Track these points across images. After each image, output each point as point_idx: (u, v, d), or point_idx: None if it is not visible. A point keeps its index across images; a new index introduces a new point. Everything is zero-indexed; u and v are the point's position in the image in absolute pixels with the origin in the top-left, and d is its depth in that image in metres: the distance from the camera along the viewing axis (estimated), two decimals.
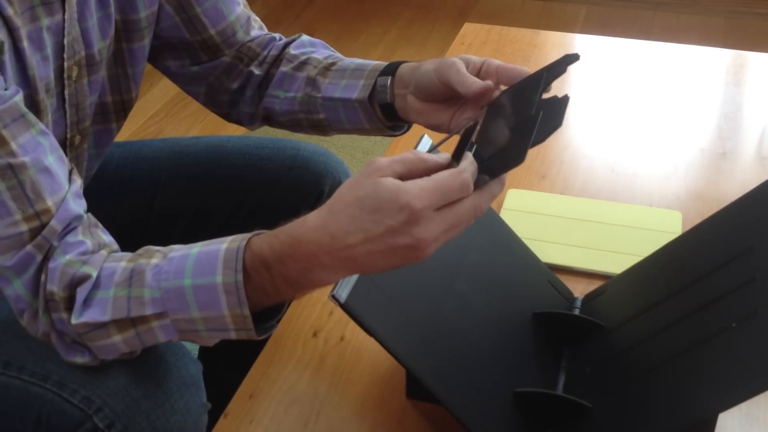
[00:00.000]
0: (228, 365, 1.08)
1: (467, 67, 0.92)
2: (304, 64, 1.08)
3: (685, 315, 0.87)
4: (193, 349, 1.13)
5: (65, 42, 0.88)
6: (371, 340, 0.79)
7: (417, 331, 0.83)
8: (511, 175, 1.27)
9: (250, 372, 0.96)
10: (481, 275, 0.95)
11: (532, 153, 1.32)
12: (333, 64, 1.06)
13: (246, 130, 1.18)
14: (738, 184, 1.27)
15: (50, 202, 0.78)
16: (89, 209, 0.84)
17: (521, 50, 1.63)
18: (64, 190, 0.80)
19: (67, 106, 0.92)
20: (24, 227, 0.77)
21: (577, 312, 0.99)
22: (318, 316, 1.03)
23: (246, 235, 0.76)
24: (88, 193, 0.94)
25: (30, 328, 0.81)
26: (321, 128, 1.09)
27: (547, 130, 0.72)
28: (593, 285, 1.05)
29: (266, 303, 0.77)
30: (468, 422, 0.81)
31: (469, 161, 0.70)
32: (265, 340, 0.98)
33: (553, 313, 0.97)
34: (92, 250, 0.80)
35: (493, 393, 0.86)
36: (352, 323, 0.80)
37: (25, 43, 0.82)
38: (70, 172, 0.82)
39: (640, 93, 1.52)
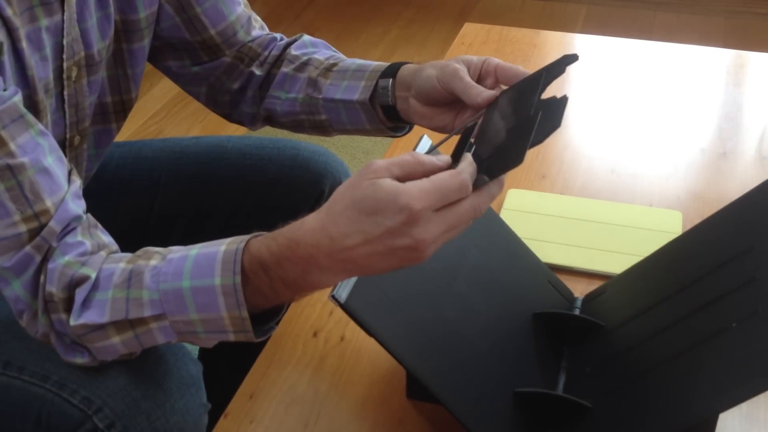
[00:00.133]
0: (228, 365, 1.08)
1: (468, 70, 0.92)
2: (305, 64, 1.08)
3: (685, 315, 0.87)
4: (193, 349, 1.13)
5: (64, 42, 0.88)
6: (371, 340, 0.79)
7: (417, 332, 0.83)
8: (511, 175, 1.27)
9: (250, 372, 0.96)
10: (481, 275, 0.95)
11: (532, 153, 1.33)
12: (334, 64, 1.06)
13: (247, 130, 1.18)
14: (738, 184, 1.27)
15: (49, 203, 0.78)
16: (89, 209, 0.84)
17: (521, 50, 1.63)
18: (63, 190, 0.80)
19: (66, 106, 0.92)
20: (23, 228, 0.77)
21: (577, 312, 0.99)
22: (318, 316, 1.03)
23: (244, 237, 0.76)
24: (88, 193, 0.94)
25: (29, 328, 0.81)
26: (322, 129, 1.09)
27: (546, 131, 0.72)
28: (593, 285, 1.05)
29: (265, 305, 0.77)
30: (468, 422, 0.81)
31: (467, 162, 0.70)
32: (265, 341, 0.98)
33: (554, 314, 0.97)
34: (91, 251, 0.80)
35: (493, 393, 0.86)
36: (352, 323, 0.80)
37: (24, 44, 0.82)
38: (70, 173, 0.82)
39: (640, 93, 1.52)
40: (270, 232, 0.76)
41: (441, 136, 0.87)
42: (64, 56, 0.89)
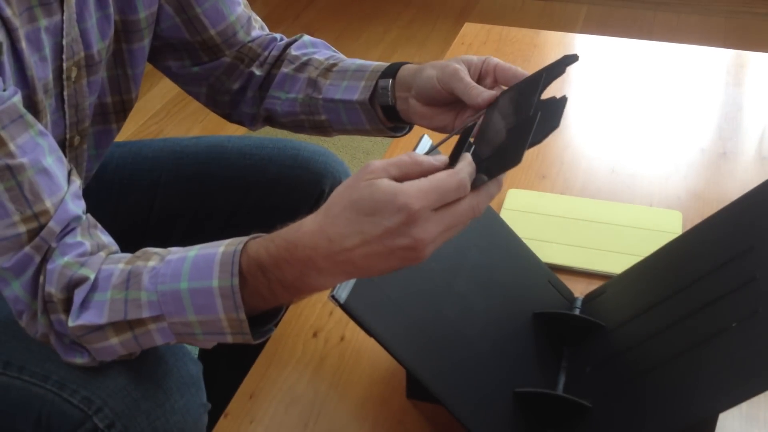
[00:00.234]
0: (228, 365, 1.08)
1: (468, 70, 0.92)
2: (305, 65, 1.08)
3: (686, 315, 0.87)
4: (193, 349, 1.13)
5: (64, 43, 0.88)
6: (371, 340, 0.79)
7: (417, 332, 0.83)
8: (511, 175, 1.28)
9: (250, 372, 0.96)
10: (481, 275, 0.95)
11: (532, 153, 1.33)
12: (334, 65, 1.06)
13: (247, 130, 1.18)
14: (738, 184, 1.27)
15: (48, 203, 0.78)
16: (89, 209, 0.84)
17: (521, 50, 1.63)
18: (63, 191, 0.80)
19: (66, 106, 0.92)
20: (22, 228, 0.77)
21: (577, 312, 0.99)
22: (318, 316, 1.03)
23: (243, 239, 0.76)
24: (88, 193, 0.95)
25: (29, 329, 0.81)
26: (322, 129, 1.09)
27: (545, 131, 0.72)
28: (593, 285, 1.05)
29: (263, 307, 0.77)
30: (468, 422, 0.81)
31: (466, 162, 0.70)
32: (263, 342, 0.98)
33: (554, 313, 0.97)
34: (91, 252, 0.80)
35: (493, 393, 0.86)
36: (352, 323, 0.80)
37: (24, 44, 0.82)
38: (69, 173, 0.82)
39: (640, 93, 1.52)
40: (269, 232, 0.76)
41: (441, 136, 0.87)
42: (64, 56, 0.89)
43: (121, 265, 0.79)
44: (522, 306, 0.97)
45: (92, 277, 0.78)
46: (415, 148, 0.86)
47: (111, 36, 0.96)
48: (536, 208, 1.20)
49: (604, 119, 1.45)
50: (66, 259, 0.78)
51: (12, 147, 0.76)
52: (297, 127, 1.11)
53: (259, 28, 1.12)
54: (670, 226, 1.16)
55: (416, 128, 1.06)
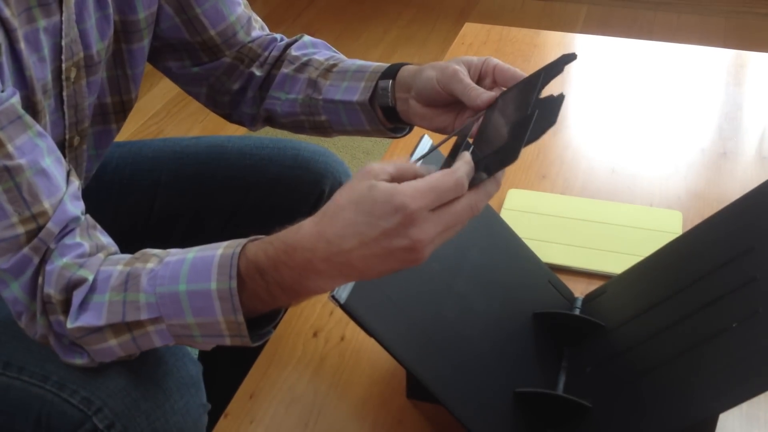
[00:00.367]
0: (228, 365, 1.08)
1: (468, 71, 0.92)
2: (305, 65, 1.08)
3: (686, 315, 0.87)
4: (193, 349, 1.13)
5: (63, 43, 0.88)
6: (371, 340, 0.79)
7: (417, 332, 0.83)
8: (511, 175, 1.28)
9: (250, 372, 0.96)
10: (482, 275, 0.95)
11: (532, 153, 1.33)
12: (334, 65, 1.06)
13: (247, 130, 1.18)
14: (738, 185, 1.27)
15: (47, 204, 0.78)
16: (89, 209, 0.84)
17: (521, 50, 1.63)
18: (62, 191, 0.79)
19: (65, 107, 0.92)
20: (20, 230, 0.77)
21: (577, 312, 0.99)
22: (318, 316, 1.03)
23: (241, 241, 0.76)
24: (88, 193, 0.94)
25: (28, 330, 0.81)
26: (323, 130, 1.09)
27: (542, 128, 0.72)
28: (593, 285, 1.05)
29: (261, 310, 0.77)
30: (468, 422, 0.81)
31: (463, 161, 0.70)
32: (263, 344, 0.98)
33: (554, 314, 0.97)
34: (89, 253, 0.80)
35: (493, 393, 0.86)
36: (352, 323, 0.80)
37: (22, 45, 0.82)
38: (68, 174, 0.82)
39: (640, 93, 1.52)
40: (269, 233, 0.76)
41: (441, 137, 0.87)
42: (63, 57, 0.89)
43: (119, 267, 0.79)
44: (522, 306, 0.97)
45: (91, 278, 0.78)
46: (414, 149, 0.87)
47: (110, 36, 0.96)
48: (536, 208, 1.20)
49: (604, 119, 1.45)
50: (65, 260, 0.78)
51: (10, 148, 0.76)
52: (297, 127, 1.11)
53: (259, 29, 1.12)
54: (670, 226, 1.16)
55: (416, 129, 1.06)
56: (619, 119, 1.45)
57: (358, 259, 0.68)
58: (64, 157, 0.93)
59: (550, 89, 0.82)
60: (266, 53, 1.10)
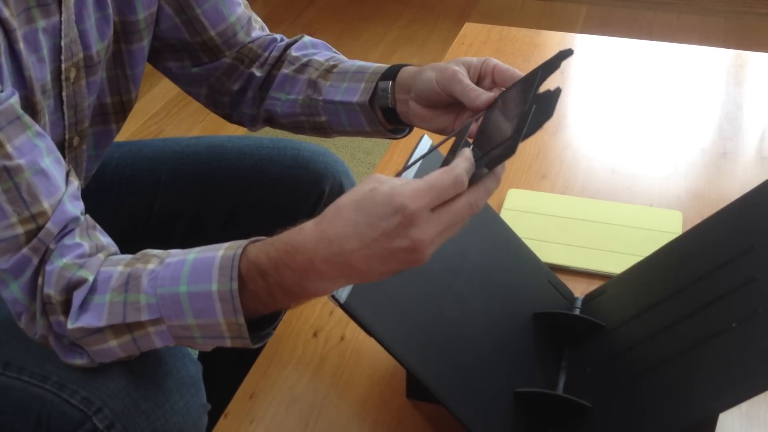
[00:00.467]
0: (228, 365, 1.08)
1: (468, 72, 0.92)
2: (305, 66, 1.08)
3: (686, 315, 0.87)
4: (193, 349, 1.13)
5: (62, 44, 0.88)
6: (371, 340, 0.79)
7: (417, 332, 0.83)
8: (511, 175, 1.28)
9: (250, 372, 0.96)
10: (482, 275, 0.95)
11: (532, 153, 1.33)
12: (334, 66, 1.06)
13: (247, 130, 1.18)
14: (738, 184, 1.27)
15: (46, 205, 0.78)
16: (89, 209, 0.84)
17: (521, 50, 1.63)
18: (61, 192, 0.79)
19: (65, 107, 0.92)
20: (20, 230, 0.77)
21: (577, 312, 0.99)
22: (318, 316, 1.03)
23: (242, 242, 0.76)
24: (88, 193, 0.94)
25: (28, 330, 0.81)
26: (322, 130, 1.09)
27: (539, 122, 0.72)
28: (593, 285, 1.05)
29: (262, 311, 0.77)
30: (468, 422, 0.81)
31: (462, 157, 0.70)
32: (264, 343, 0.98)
33: (554, 313, 0.97)
34: (89, 253, 0.80)
35: (493, 393, 0.86)
36: (352, 323, 0.80)
37: (22, 45, 0.82)
38: (68, 174, 0.82)
39: (640, 93, 1.52)
40: (270, 233, 0.76)
41: (441, 138, 0.87)
42: (63, 57, 0.89)
43: (120, 268, 0.79)
44: (522, 306, 0.97)
45: (91, 278, 0.78)
46: (414, 150, 0.87)
47: (110, 37, 0.96)
48: (536, 208, 1.20)
49: (604, 119, 1.45)
50: (65, 260, 0.78)
51: (9, 148, 0.76)
52: (297, 128, 1.11)
53: (259, 29, 1.12)
54: (670, 226, 1.16)
55: (416, 130, 1.06)
56: (619, 119, 1.45)
57: (359, 259, 0.68)
58: (64, 157, 0.93)
59: (548, 86, 0.82)
60: (266, 54, 1.10)
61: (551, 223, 1.18)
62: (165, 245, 0.83)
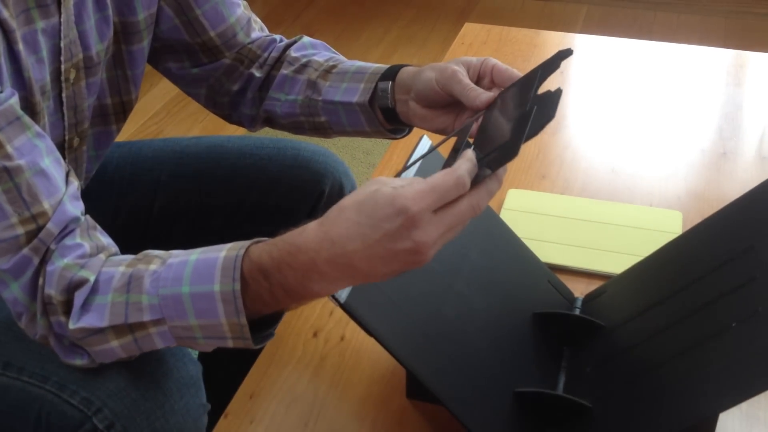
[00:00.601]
0: (228, 365, 1.08)
1: (468, 71, 0.92)
2: (304, 66, 1.08)
3: (686, 315, 0.87)
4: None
5: (62, 45, 0.88)
6: (371, 340, 0.79)
7: (417, 331, 0.83)
8: (511, 175, 1.28)
9: (250, 372, 0.96)
10: (482, 275, 0.95)
11: (532, 153, 1.33)
12: (334, 66, 1.06)
13: (247, 130, 1.18)
14: (738, 184, 1.27)
15: (47, 205, 0.78)
16: (89, 209, 0.84)
17: (521, 50, 1.63)
18: (61, 192, 0.79)
19: (65, 108, 0.92)
20: (20, 230, 0.77)
21: (577, 312, 0.99)
22: (318, 316, 1.03)
23: (245, 243, 0.76)
24: (88, 193, 0.95)
25: (28, 330, 0.81)
26: (322, 131, 1.09)
27: (541, 123, 0.72)
28: (593, 285, 1.05)
29: (264, 312, 0.77)
30: (468, 422, 0.81)
31: (465, 159, 0.70)
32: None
33: (554, 313, 0.97)
34: (90, 254, 0.80)
35: (493, 393, 0.86)
36: (352, 323, 0.80)
37: (21, 46, 0.82)
38: (67, 174, 0.82)
39: (640, 93, 1.52)
40: (270, 233, 0.76)
41: (441, 138, 0.87)
42: (62, 58, 0.89)
43: (122, 268, 0.79)
44: (522, 306, 0.97)
45: (92, 279, 0.78)
46: (414, 150, 0.87)
47: (110, 37, 0.96)
48: (536, 208, 1.20)
49: (604, 119, 1.45)
50: (65, 261, 0.78)
51: (9, 149, 0.76)
52: (297, 128, 1.11)
53: (258, 30, 1.12)
54: (670, 226, 1.16)
55: (416, 130, 1.06)
56: (619, 119, 1.45)
57: (362, 260, 0.68)
58: (64, 158, 0.93)
59: (548, 87, 0.82)
60: (266, 54, 1.10)
61: (551, 223, 1.18)
62: (165, 245, 0.83)
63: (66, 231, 0.79)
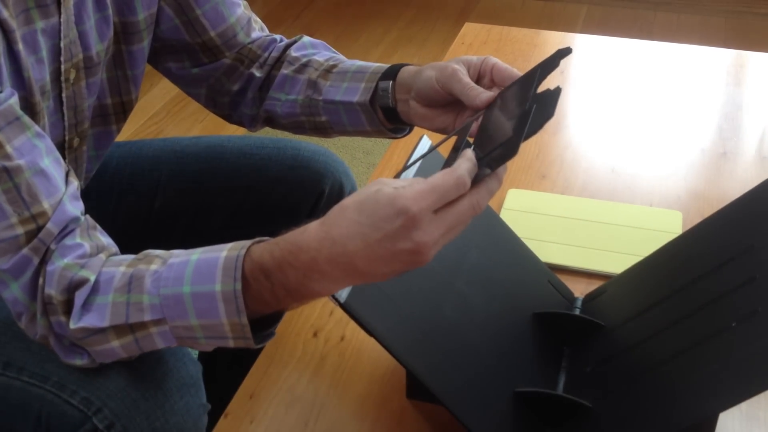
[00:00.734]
0: (228, 365, 1.08)
1: (468, 70, 0.92)
2: (305, 66, 1.08)
3: (686, 315, 0.87)
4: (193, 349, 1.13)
5: (62, 45, 0.88)
6: (371, 340, 0.79)
7: (417, 331, 0.83)
8: (511, 175, 1.28)
9: (250, 372, 0.96)
10: (481, 275, 0.95)
11: (532, 153, 1.33)
12: (334, 66, 1.06)
13: (247, 130, 1.18)
14: (738, 184, 1.27)
15: (46, 205, 0.78)
16: (89, 209, 0.84)
17: (521, 50, 1.63)
18: (61, 192, 0.79)
19: (65, 108, 0.92)
20: (20, 230, 0.77)
21: (577, 312, 0.99)
22: (318, 316, 1.03)
23: (246, 243, 0.76)
24: (88, 193, 0.95)
25: (28, 330, 0.81)
26: (323, 130, 1.09)
27: (541, 121, 0.72)
28: (593, 285, 1.05)
29: (265, 311, 0.77)
30: (468, 422, 0.81)
31: (465, 158, 0.70)
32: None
33: (554, 313, 0.97)
34: (90, 253, 0.80)
35: (493, 393, 0.86)
36: (352, 323, 0.80)
37: (20, 46, 0.82)
38: (67, 174, 0.82)
39: (640, 93, 1.52)
40: (270, 233, 0.76)
41: (441, 137, 0.87)
42: (62, 58, 0.89)
43: (122, 268, 0.79)
44: (522, 306, 0.97)
45: (92, 279, 0.78)
46: (414, 149, 0.87)
47: (110, 38, 0.96)
48: (536, 208, 1.20)
49: (604, 119, 1.45)
50: (65, 260, 0.78)
51: (9, 149, 0.76)
52: (297, 128, 1.11)
53: (259, 30, 1.12)
54: (670, 226, 1.16)
55: (416, 129, 1.06)
56: (619, 119, 1.45)
57: (362, 260, 0.69)
58: (64, 158, 0.93)
59: (548, 85, 0.82)
60: (266, 54, 1.10)
61: (551, 223, 1.18)
62: (165, 245, 0.83)
63: (66, 231, 0.79)
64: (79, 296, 0.78)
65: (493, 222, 1.02)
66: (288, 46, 1.11)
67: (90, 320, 0.77)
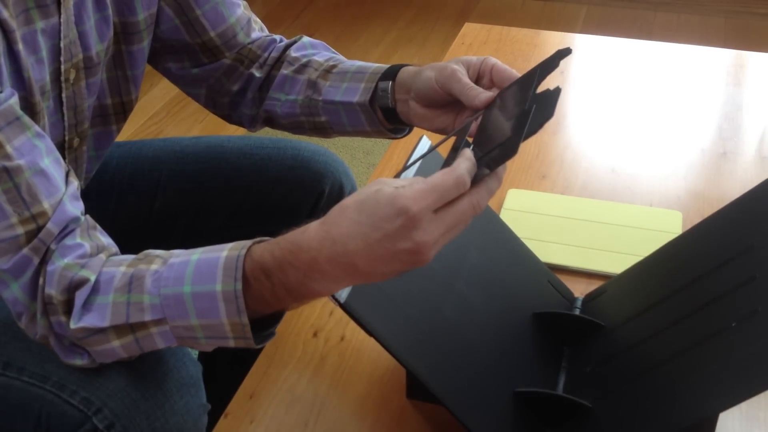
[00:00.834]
0: (228, 365, 1.08)
1: (467, 71, 0.92)
2: (304, 66, 1.08)
3: (685, 314, 0.87)
4: (193, 349, 1.13)
5: (62, 45, 0.88)
6: (371, 340, 0.79)
7: (417, 331, 0.83)
8: (511, 175, 1.28)
9: (250, 372, 0.96)
10: (481, 275, 0.95)
11: (532, 153, 1.33)
12: (334, 66, 1.06)
13: (246, 130, 1.18)
14: (738, 184, 1.27)
15: (46, 205, 0.78)
16: (89, 209, 0.84)
17: (521, 50, 1.63)
18: (61, 192, 0.79)
19: (65, 108, 0.92)
20: (20, 230, 0.77)
21: (577, 312, 0.99)
22: (318, 316, 1.03)
23: (247, 243, 0.76)
24: (88, 193, 0.95)
25: (28, 330, 0.81)
26: (323, 130, 1.09)
27: (540, 121, 0.72)
28: (593, 285, 1.05)
29: (266, 311, 0.77)
30: (468, 422, 0.81)
31: (464, 157, 0.70)
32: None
33: (554, 313, 0.97)
34: (90, 253, 0.80)
35: (493, 393, 0.86)
36: (352, 323, 0.80)
37: (20, 46, 0.82)
38: (67, 174, 0.82)
39: (640, 93, 1.52)
40: (270, 233, 0.76)
41: (440, 138, 0.87)
42: (62, 59, 0.89)
43: (123, 268, 0.79)
44: (522, 306, 0.97)
45: (93, 279, 0.78)
46: (413, 150, 0.87)
47: (110, 38, 0.96)
48: (536, 208, 1.20)
49: (604, 119, 1.45)
50: (66, 260, 0.78)
51: (9, 149, 0.76)
52: (297, 128, 1.11)
53: (258, 30, 1.12)
54: (670, 226, 1.16)
55: (416, 129, 1.06)
56: (619, 119, 1.45)
57: (362, 260, 0.69)
58: (64, 158, 0.93)
59: (548, 86, 0.82)
60: (266, 54, 1.10)
61: (551, 223, 1.18)
62: (165, 245, 0.83)
63: (66, 231, 0.79)
64: (80, 296, 0.77)
65: (493, 222, 1.02)
66: (288, 47, 1.11)
67: (90, 320, 0.77)
